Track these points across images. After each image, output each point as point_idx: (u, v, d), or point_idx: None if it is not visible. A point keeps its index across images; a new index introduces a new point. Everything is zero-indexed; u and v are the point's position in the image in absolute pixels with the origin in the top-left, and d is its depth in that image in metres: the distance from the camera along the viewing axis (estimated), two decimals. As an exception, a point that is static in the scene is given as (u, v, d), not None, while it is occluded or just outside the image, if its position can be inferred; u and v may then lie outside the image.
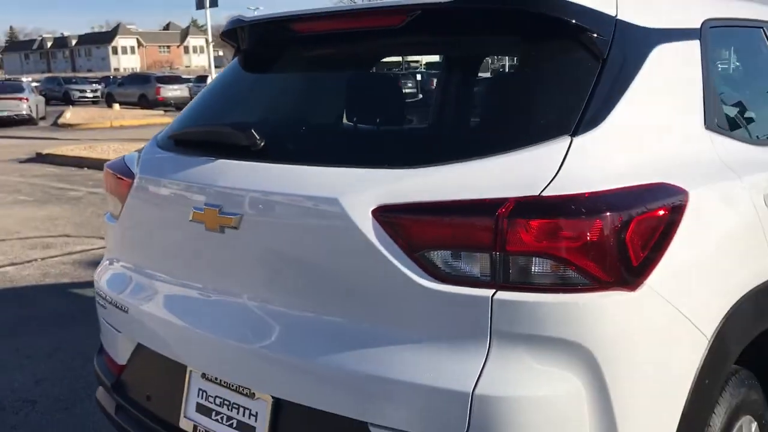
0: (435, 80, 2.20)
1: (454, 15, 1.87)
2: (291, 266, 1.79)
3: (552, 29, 1.77)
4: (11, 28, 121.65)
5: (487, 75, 2.35)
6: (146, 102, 31.81)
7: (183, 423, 2.00)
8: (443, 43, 2.37)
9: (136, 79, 36.66)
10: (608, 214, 1.50)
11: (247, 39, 2.31)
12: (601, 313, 1.48)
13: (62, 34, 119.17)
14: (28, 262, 6.21)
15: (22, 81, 31.48)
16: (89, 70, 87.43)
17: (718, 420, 1.76)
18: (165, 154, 2.17)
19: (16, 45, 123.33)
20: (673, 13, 2.10)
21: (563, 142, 1.59)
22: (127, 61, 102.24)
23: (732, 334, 1.74)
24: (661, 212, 1.60)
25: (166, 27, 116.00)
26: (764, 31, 2.61)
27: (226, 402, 1.91)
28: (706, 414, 1.70)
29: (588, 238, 1.47)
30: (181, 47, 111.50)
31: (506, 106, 1.89)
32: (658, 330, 1.56)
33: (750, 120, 2.33)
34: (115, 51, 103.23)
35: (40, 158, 13.77)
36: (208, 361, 1.95)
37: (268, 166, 1.85)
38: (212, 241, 1.89)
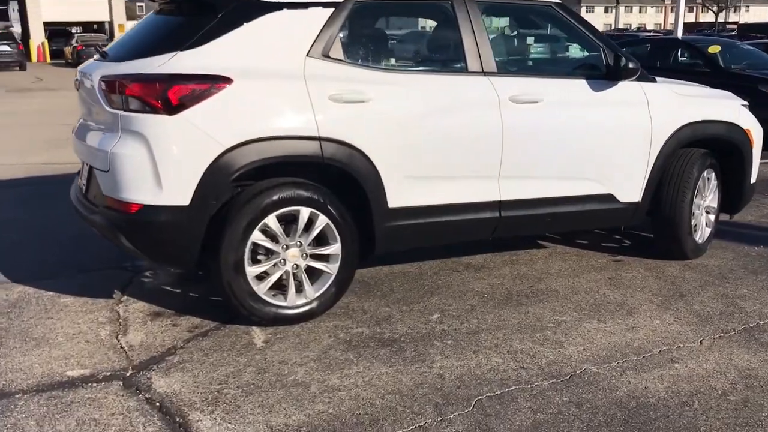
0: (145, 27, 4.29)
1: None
2: (89, 102, 4.00)
3: (203, 6, 3.79)
4: None
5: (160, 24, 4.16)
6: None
7: (81, 186, 4.32)
8: (173, 10, 4.20)
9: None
10: (169, 81, 3.46)
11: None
12: (153, 122, 3.48)
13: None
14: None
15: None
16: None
17: (227, 189, 3.63)
18: (92, 60, 4.42)
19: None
20: None
21: (173, 52, 3.58)
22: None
23: (247, 150, 3.56)
24: (202, 86, 3.49)
25: None
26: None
27: (84, 171, 4.16)
28: (221, 183, 3.55)
29: (155, 90, 3.47)
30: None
31: (160, 41, 3.86)
32: (187, 135, 3.48)
33: (357, 52, 4.03)
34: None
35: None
36: (84, 156, 4.20)
37: (102, 62, 4.03)
38: (81, 92, 4.20)
